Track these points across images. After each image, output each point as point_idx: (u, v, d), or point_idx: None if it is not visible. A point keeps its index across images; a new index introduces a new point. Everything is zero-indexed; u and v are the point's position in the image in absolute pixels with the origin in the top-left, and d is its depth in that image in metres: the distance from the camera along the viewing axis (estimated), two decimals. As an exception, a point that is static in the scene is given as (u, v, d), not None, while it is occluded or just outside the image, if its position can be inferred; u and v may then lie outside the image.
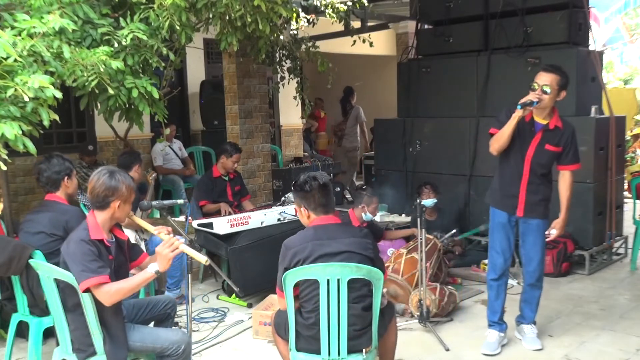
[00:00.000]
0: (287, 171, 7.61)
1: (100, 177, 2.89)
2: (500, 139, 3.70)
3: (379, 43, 9.06)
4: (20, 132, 3.04)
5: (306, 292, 2.82)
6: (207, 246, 4.98)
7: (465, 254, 5.72)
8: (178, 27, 4.07)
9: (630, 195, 6.50)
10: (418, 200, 4.28)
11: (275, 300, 4.21)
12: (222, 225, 4.79)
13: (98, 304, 2.79)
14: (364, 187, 5.34)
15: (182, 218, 3.78)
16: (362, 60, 11.13)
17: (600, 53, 6.36)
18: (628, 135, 9.21)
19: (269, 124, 7.15)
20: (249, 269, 4.73)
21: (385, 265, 4.65)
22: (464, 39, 6.34)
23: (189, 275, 3.16)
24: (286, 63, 6.75)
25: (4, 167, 3.03)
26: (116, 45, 3.81)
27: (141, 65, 4.05)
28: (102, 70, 3.49)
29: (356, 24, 7.64)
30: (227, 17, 4.45)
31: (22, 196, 6.75)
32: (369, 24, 8.04)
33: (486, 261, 4.55)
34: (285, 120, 10.07)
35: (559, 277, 5.31)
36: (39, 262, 3.17)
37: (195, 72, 8.89)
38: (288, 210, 5.03)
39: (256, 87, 6.67)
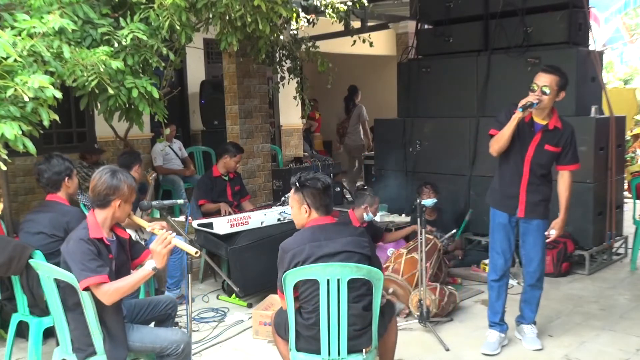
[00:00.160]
0: (287, 171, 7.61)
1: (102, 176, 2.91)
2: (500, 140, 3.70)
3: (379, 43, 9.06)
4: (20, 132, 3.04)
5: (306, 293, 2.82)
6: (207, 246, 4.98)
7: (466, 254, 5.72)
8: (178, 27, 4.07)
9: (630, 195, 6.50)
10: (418, 200, 4.28)
11: (275, 300, 4.21)
12: (222, 225, 4.79)
13: (98, 304, 2.79)
14: (365, 187, 5.33)
15: (182, 218, 3.77)
16: (362, 60, 11.13)
17: (600, 53, 6.36)
18: (628, 135, 9.21)
19: (269, 124, 7.15)
20: (249, 269, 4.73)
21: (385, 265, 4.66)
22: (464, 39, 6.34)
23: (189, 275, 3.16)
24: (286, 63, 6.75)
25: (4, 167, 3.03)
26: (116, 45, 3.81)
27: (141, 65, 4.05)
28: (102, 70, 3.49)
29: (356, 24, 7.63)
30: (227, 17, 4.44)
31: (22, 196, 6.74)
32: (369, 24, 8.03)
33: (486, 261, 4.56)
34: (285, 120, 10.07)
35: (559, 277, 5.31)
36: (39, 262, 3.17)
37: (195, 72, 8.88)
38: (288, 210, 5.03)
39: (256, 87, 6.66)
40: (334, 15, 6.36)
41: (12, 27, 3.29)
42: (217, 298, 5.04)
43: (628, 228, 6.15)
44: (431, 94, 6.55)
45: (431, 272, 4.60)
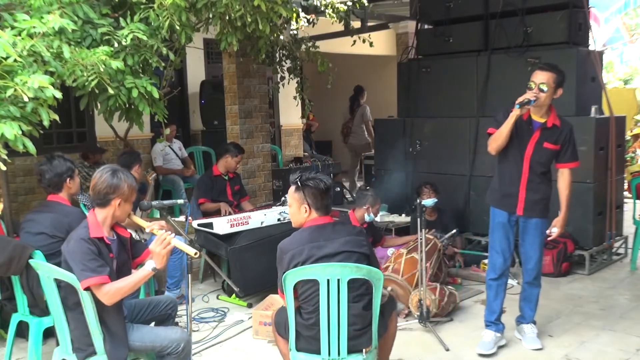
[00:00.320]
0: (287, 171, 7.60)
1: (103, 175, 2.92)
2: (498, 139, 3.70)
3: (379, 43, 9.05)
4: (20, 132, 3.04)
5: (306, 293, 2.82)
6: (207, 246, 4.98)
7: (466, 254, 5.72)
8: (178, 27, 4.06)
9: (630, 195, 6.50)
10: (418, 200, 4.28)
11: (275, 300, 4.21)
12: (222, 225, 4.79)
13: (98, 304, 2.79)
14: (368, 187, 5.31)
15: (182, 218, 3.77)
16: (362, 60, 11.13)
17: (600, 53, 6.36)
18: (628, 135, 9.21)
19: (269, 124, 7.15)
20: (249, 269, 4.73)
21: (385, 265, 4.66)
22: (464, 39, 6.34)
23: (189, 275, 3.16)
24: (286, 63, 6.75)
25: (4, 167, 3.03)
26: (116, 45, 3.81)
27: (141, 65, 4.04)
28: (102, 70, 3.49)
29: (356, 24, 7.63)
30: (227, 17, 4.44)
31: (22, 196, 6.74)
32: (369, 24, 8.03)
33: (486, 261, 4.55)
34: (285, 120, 10.07)
35: (559, 277, 5.31)
36: (39, 262, 3.17)
37: (195, 72, 8.88)
38: (288, 210, 5.02)
39: (256, 87, 6.66)
40: (334, 15, 6.36)
41: (12, 27, 3.29)
42: (217, 298, 5.04)
43: (628, 228, 6.15)
44: (431, 94, 6.55)
45: (431, 272, 4.60)
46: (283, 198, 5.52)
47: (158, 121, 4.32)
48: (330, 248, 2.83)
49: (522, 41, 5.79)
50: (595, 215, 5.45)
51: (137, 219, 3.21)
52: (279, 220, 5.04)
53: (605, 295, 4.88)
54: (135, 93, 3.78)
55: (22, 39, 3.15)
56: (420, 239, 4.15)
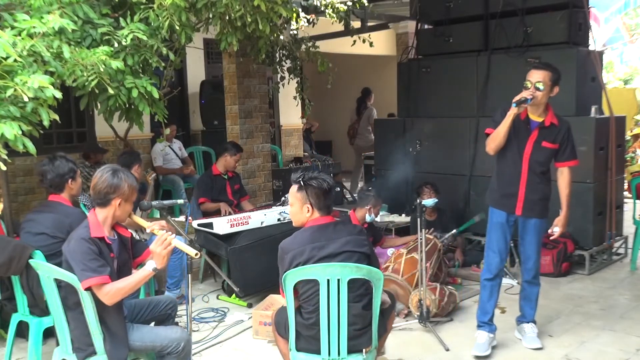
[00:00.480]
0: (287, 171, 7.61)
1: (103, 174, 2.92)
2: (496, 138, 3.71)
3: (379, 43, 9.06)
4: (20, 132, 3.04)
5: (307, 293, 2.82)
6: (207, 246, 4.98)
7: (466, 254, 5.71)
8: (178, 27, 4.06)
9: (630, 195, 6.50)
10: (418, 200, 4.28)
11: (275, 300, 4.21)
12: (222, 225, 4.79)
13: (99, 303, 2.79)
14: (370, 188, 5.30)
15: (182, 218, 3.77)
16: (362, 60, 11.13)
17: (600, 53, 6.36)
18: (628, 135, 9.21)
19: (269, 124, 7.15)
20: (249, 269, 4.73)
21: (385, 265, 4.66)
22: (464, 39, 6.34)
23: (189, 275, 3.16)
24: (286, 63, 6.75)
25: (4, 167, 3.03)
26: (116, 45, 3.81)
27: (141, 65, 4.05)
28: (102, 70, 3.49)
29: (356, 24, 7.64)
30: (227, 17, 4.45)
31: (22, 196, 6.74)
32: (369, 24, 8.04)
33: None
34: (285, 120, 10.07)
35: (559, 277, 5.31)
36: (39, 262, 3.17)
37: (195, 72, 8.89)
38: (288, 210, 5.02)
39: (256, 87, 6.66)
40: (334, 15, 6.36)
41: (12, 27, 3.29)
42: (217, 298, 5.04)
43: (628, 228, 6.15)
44: (431, 94, 6.55)
45: (431, 272, 4.60)
46: (283, 198, 5.52)
47: (158, 121, 4.32)
48: (332, 248, 2.82)
49: (522, 41, 5.79)
50: (595, 215, 5.45)
51: (138, 219, 3.21)
52: (279, 220, 5.03)
53: (605, 295, 4.88)
54: (135, 93, 3.78)
55: (22, 39, 3.15)
56: (420, 239, 4.15)
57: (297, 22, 6.05)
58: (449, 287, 4.63)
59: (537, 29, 5.74)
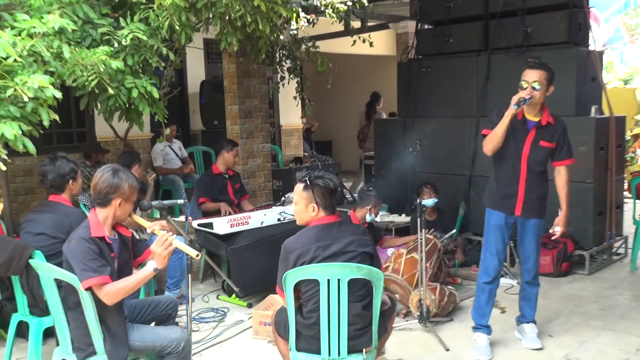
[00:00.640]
0: (287, 171, 7.62)
1: (104, 174, 2.92)
2: (494, 139, 3.70)
3: (379, 43, 9.06)
4: (20, 132, 3.04)
5: (308, 293, 2.82)
6: (207, 246, 4.98)
7: (466, 254, 5.72)
8: (178, 27, 4.07)
9: (630, 195, 6.50)
10: (418, 200, 4.28)
11: (275, 300, 4.21)
12: (222, 225, 4.79)
13: (99, 303, 2.79)
14: (371, 188, 5.31)
15: (182, 218, 3.77)
16: (362, 60, 11.13)
17: (600, 53, 6.36)
18: (628, 135, 9.21)
19: (269, 124, 7.15)
20: (249, 269, 4.73)
21: (385, 265, 4.66)
22: (464, 39, 6.34)
23: (189, 275, 3.16)
24: (286, 63, 6.75)
25: (4, 167, 3.03)
26: (116, 45, 3.81)
27: (141, 65, 4.05)
28: (102, 70, 3.49)
29: (356, 24, 7.64)
30: (227, 17, 4.45)
31: (22, 196, 6.74)
32: (369, 24, 8.04)
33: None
34: (285, 120, 10.08)
35: (559, 277, 5.31)
36: (39, 262, 3.17)
37: (195, 72, 8.89)
38: (288, 210, 5.03)
39: (256, 87, 6.67)
40: (334, 15, 6.36)
41: (12, 27, 3.29)
42: (217, 298, 5.04)
43: (628, 228, 6.15)
44: (431, 94, 6.55)
45: (431, 272, 4.60)
46: (283, 198, 5.52)
47: (158, 121, 4.32)
48: (336, 247, 2.83)
49: (522, 41, 5.79)
50: (595, 215, 5.45)
51: (138, 219, 3.22)
52: (279, 220, 5.04)
53: (605, 295, 4.88)
54: (135, 93, 3.79)
55: (22, 39, 3.15)
56: (420, 239, 4.15)
57: (297, 22, 6.05)
58: (449, 287, 4.63)
59: (537, 29, 5.75)
